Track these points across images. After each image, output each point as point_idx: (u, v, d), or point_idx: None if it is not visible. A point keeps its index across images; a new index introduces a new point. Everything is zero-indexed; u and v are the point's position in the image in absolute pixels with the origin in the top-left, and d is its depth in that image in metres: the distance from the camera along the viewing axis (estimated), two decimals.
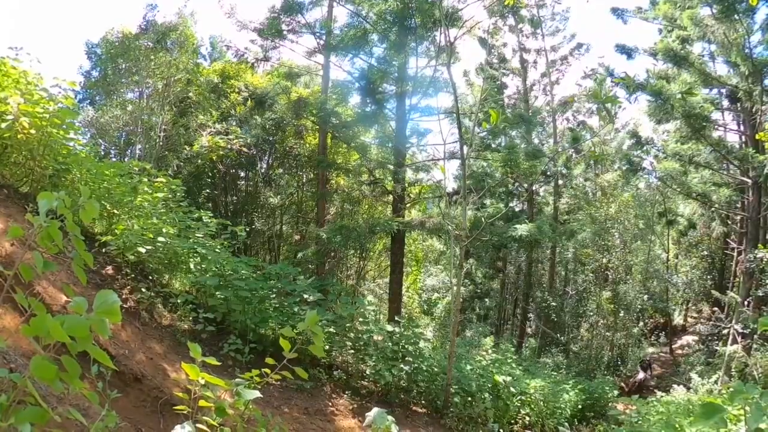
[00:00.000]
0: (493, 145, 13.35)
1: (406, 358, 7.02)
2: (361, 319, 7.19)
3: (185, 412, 2.64)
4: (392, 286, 12.03)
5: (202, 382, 2.59)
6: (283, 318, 6.27)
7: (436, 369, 7.34)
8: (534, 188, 18.85)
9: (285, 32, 12.65)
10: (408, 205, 12.85)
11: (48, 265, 1.84)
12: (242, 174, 16.02)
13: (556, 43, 19.14)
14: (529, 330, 19.06)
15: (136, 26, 14.87)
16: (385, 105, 12.28)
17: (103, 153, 13.85)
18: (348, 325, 6.94)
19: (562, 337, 17.39)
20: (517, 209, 18.16)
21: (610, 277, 18.08)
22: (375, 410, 2.66)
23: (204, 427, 2.58)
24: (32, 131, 4.92)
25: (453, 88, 7.73)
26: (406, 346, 7.15)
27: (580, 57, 19.15)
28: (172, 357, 4.45)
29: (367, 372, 6.83)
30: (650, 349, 20.18)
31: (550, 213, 19.07)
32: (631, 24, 17.89)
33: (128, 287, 5.17)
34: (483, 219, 9.52)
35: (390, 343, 7.05)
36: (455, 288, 7.31)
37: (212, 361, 2.69)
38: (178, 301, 5.54)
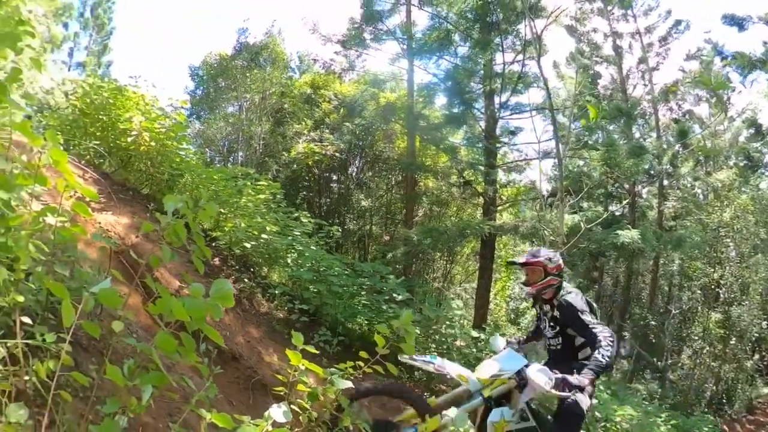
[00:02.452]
0: (590, 142, 12.42)
1: None
2: (447, 323, 7.17)
3: (281, 393, 2.87)
4: (479, 292, 11.82)
5: (302, 368, 2.80)
6: (371, 314, 6.44)
7: None
8: (636, 189, 17.22)
9: (368, 41, 13.06)
10: (500, 207, 12.51)
11: (172, 256, 2.16)
12: (335, 177, 16.78)
13: (651, 24, 17.13)
14: (622, 350, 17.47)
15: (231, 48, 16.76)
16: (473, 104, 12.11)
17: (209, 160, 15.48)
18: (434, 327, 6.96)
19: (659, 362, 15.68)
20: (616, 213, 16.78)
21: (721, 296, 15.91)
22: (454, 411, 2.68)
23: (297, 409, 2.79)
24: (152, 143, 5.88)
25: (544, 83, 7.43)
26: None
27: (679, 36, 16.94)
28: (267, 342, 4.82)
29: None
30: (765, 390, 17.41)
31: (654, 218, 17.31)
32: None
33: (233, 277, 5.73)
34: (582, 224, 8.88)
35: (474, 350, 6.91)
36: None
37: (311, 349, 2.91)
38: (276, 291, 5.99)
